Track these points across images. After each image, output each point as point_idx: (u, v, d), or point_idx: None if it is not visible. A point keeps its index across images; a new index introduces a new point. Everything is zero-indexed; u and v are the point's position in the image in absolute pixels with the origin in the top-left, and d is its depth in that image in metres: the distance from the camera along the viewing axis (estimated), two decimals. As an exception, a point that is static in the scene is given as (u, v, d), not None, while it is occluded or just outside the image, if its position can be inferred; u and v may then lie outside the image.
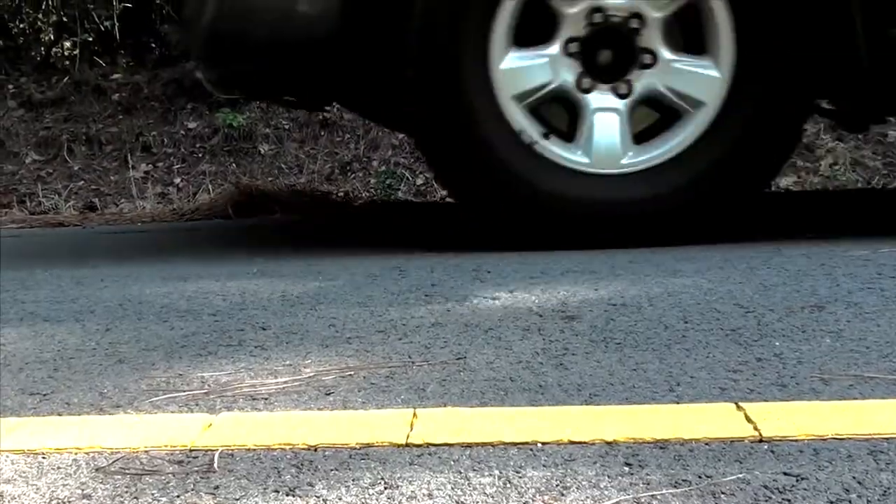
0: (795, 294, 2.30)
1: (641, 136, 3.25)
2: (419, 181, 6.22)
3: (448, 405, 1.61)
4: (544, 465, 1.33)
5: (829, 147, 6.02)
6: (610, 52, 3.19)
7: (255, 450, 1.41)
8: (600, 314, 2.18)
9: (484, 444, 1.41)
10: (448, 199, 5.61)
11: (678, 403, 1.57)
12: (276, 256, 3.24)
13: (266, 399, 1.66)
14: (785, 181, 5.83)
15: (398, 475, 1.31)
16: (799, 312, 2.12)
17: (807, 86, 3.10)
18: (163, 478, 1.33)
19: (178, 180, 6.44)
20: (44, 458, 1.41)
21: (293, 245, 3.42)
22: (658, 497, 1.22)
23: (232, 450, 1.41)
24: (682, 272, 2.64)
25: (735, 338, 1.94)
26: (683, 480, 1.27)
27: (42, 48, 7.81)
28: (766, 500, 1.20)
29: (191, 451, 1.42)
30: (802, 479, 1.26)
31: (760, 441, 1.39)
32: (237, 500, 1.25)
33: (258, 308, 2.39)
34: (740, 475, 1.28)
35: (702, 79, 3.16)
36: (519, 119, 3.19)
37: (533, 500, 1.22)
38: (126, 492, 1.28)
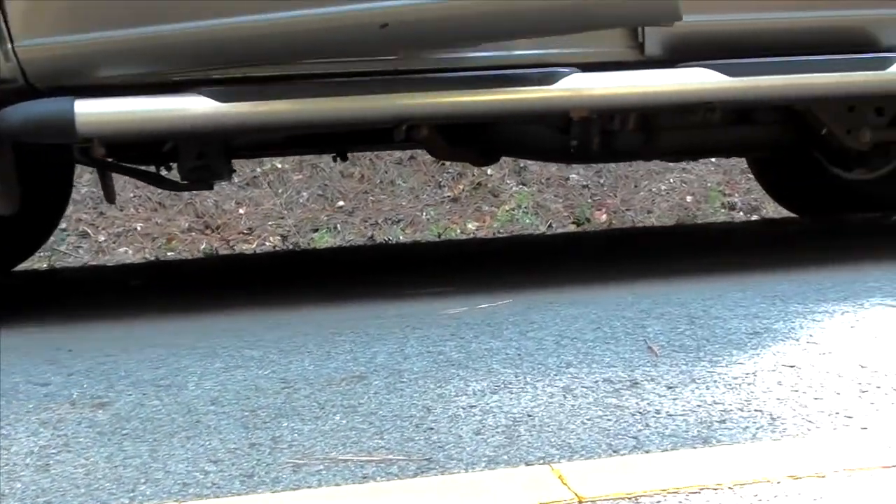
0: (351, 363, 2.25)
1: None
2: (101, 238, 6.04)
3: None
4: None
5: (514, 191, 6.10)
6: None
7: None
8: (136, 398, 2.09)
9: None
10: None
11: (126, 507, 1.49)
12: None
13: None
14: (470, 226, 5.88)
15: None
16: (336, 385, 2.07)
17: None
18: None
19: None
20: None
21: None
22: None
23: None
24: (260, 343, 2.56)
25: (248, 420, 1.88)
26: None
27: None
28: None
29: None
30: None
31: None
32: None
33: None
34: None
35: None
36: None
37: None
38: None
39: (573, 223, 5.74)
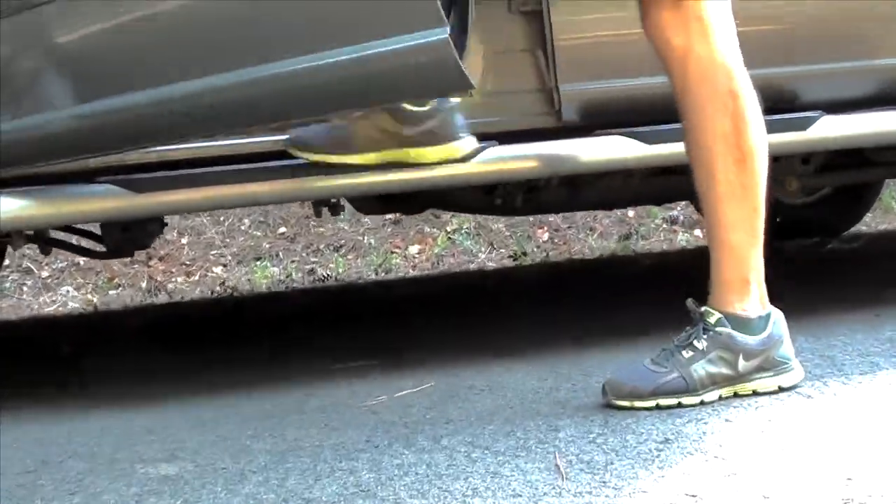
0: (262, 487, 2.24)
1: None
2: (45, 273, 6.01)
3: None
4: None
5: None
6: None
7: None
8: None
9: None
10: None
11: None
12: None
13: None
14: (412, 249, 5.89)
15: None
16: None
17: None
18: None
19: None
20: None
21: None
22: None
23: None
24: (180, 452, 2.55)
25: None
26: None
27: None
28: None
29: None
30: None
31: None
32: None
33: None
34: None
35: None
36: None
37: None
38: None
39: (510, 257, 5.75)
